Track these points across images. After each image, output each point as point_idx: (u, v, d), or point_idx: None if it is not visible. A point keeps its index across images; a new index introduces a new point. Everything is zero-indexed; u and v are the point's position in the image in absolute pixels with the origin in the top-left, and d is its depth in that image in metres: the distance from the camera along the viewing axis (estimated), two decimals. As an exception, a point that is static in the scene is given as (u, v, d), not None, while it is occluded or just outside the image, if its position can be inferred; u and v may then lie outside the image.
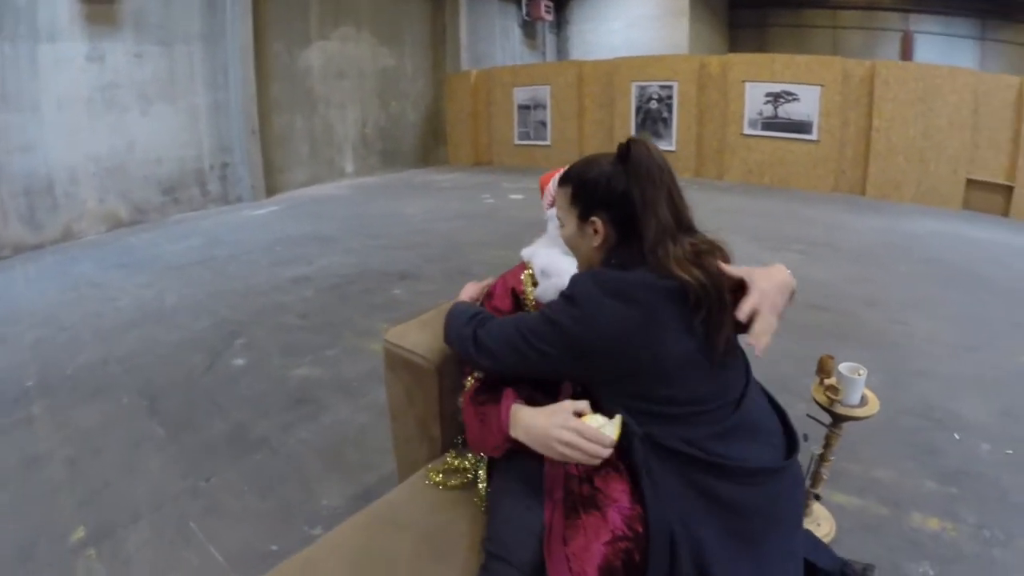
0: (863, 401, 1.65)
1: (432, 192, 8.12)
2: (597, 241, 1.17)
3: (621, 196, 1.13)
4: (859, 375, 1.62)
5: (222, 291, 4.27)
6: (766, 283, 1.10)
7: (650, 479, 1.05)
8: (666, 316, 1.06)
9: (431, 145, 10.67)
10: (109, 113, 6.35)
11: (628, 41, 11.34)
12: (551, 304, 1.16)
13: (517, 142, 10.02)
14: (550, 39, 12.72)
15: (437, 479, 1.37)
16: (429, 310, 1.62)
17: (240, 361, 3.19)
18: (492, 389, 1.24)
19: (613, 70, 8.79)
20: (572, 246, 1.25)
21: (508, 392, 1.19)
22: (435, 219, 6.41)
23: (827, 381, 1.69)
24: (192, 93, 7.05)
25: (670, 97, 8.34)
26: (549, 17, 11.99)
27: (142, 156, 6.69)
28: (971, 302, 3.87)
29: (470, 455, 1.38)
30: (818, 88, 7.20)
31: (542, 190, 1.57)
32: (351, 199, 7.78)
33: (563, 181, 1.23)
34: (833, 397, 1.63)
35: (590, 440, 1.03)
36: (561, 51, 12.75)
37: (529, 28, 12.25)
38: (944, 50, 10.67)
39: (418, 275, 4.56)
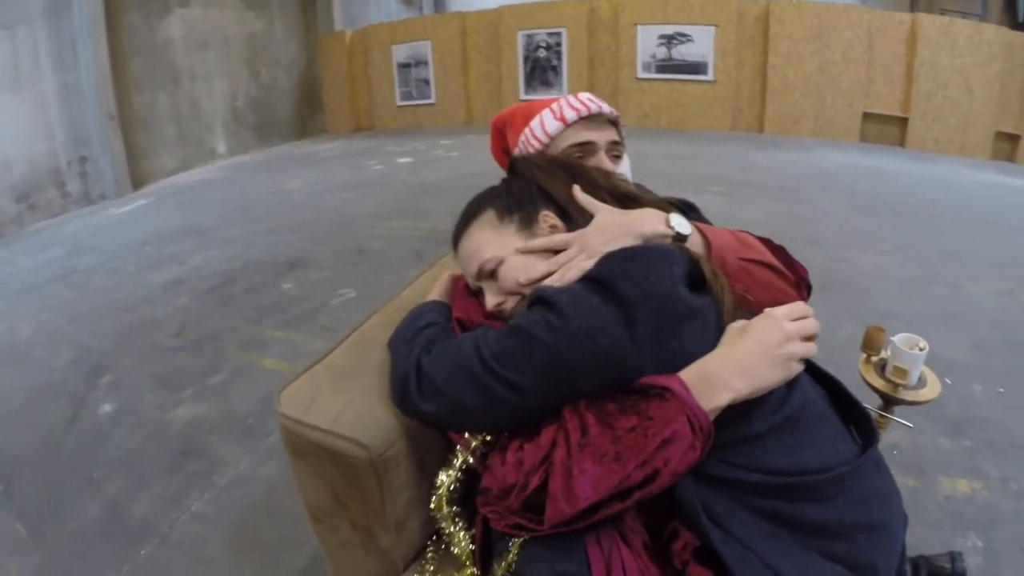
0: (921, 380, 1.27)
1: (314, 164, 7.27)
2: None
3: (545, 192, 0.93)
4: (920, 350, 1.23)
5: (84, 312, 3.42)
6: (600, 227, 0.85)
7: (717, 527, 0.72)
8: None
9: (308, 114, 9.62)
10: None
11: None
12: (521, 314, 0.79)
13: (400, 103, 9.19)
14: (427, -8, 11.79)
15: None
16: (341, 341, 1.02)
17: (108, 407, 2.45)
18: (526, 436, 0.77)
19: (497, 20, 8.19)
20: (520, 272, 0.88)
21: (654, 381, 0.72)
22: (320, 192, 5.67)
23: (875, 358, 1.29)
24: (38, 78, 5.80)
25: (559, 44, 7.88)
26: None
27: None
28: (901, 234, 3.74)
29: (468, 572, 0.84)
30: (712, 28, 6.99)
31: (496, 132, 1.22)
32: (227, 181, 6.80)
33: (471, 216, 0.95)
34: (899, 381, 1.23)
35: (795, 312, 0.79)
36: (439, 4, 11.75)
37: (404, -18, 11.22)
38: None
39: (308, 261, 3.86)
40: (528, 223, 0.90)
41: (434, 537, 0.91)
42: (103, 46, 6.25)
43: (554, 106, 1.08)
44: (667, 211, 0.87)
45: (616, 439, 0.68)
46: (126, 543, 1.75)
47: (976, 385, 2.21)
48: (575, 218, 0.90)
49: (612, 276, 0.74)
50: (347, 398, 0.87)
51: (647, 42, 7.38)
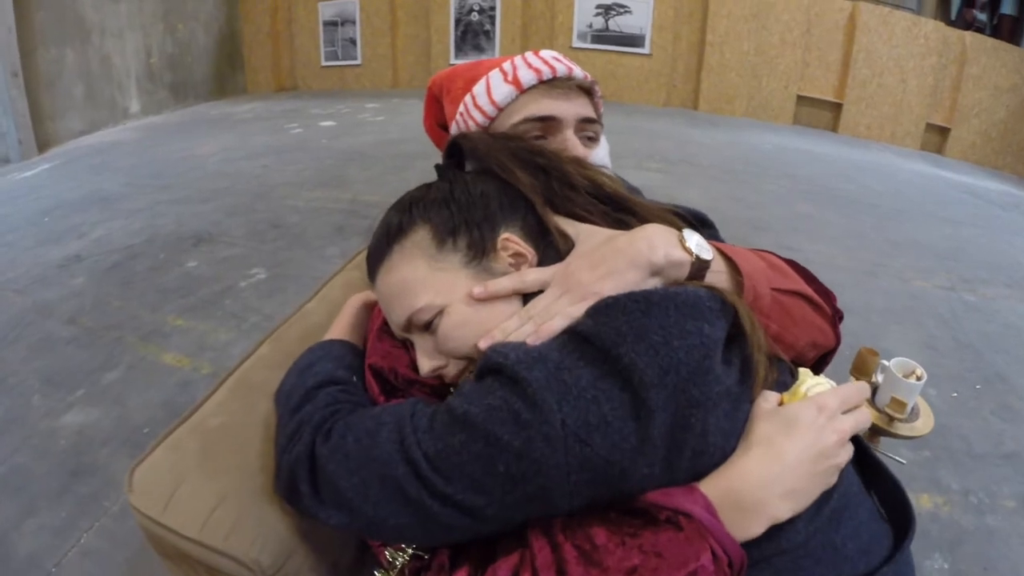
0: (915, 411, 1.11)
1: (232, 126, 6.68)
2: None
3: (508, 190, 0.63)
4: (917, 378, 1.06)
5: (-31, 295, 2.93)
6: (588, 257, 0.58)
7: None
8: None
9: (227, 72, 8.80)
10: None
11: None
12: (471, 392, 0.51)
13: (324, 63, 8.59)
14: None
15: None
16: (215, 390, 0.71)
17: (-11, 412, 2.06)
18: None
19: (429, -23, 7.68)
20: (471, 329, 0.59)
21: (667, 501, 0.48)
22: (236, 159, 5.17)
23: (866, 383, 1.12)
24: None
25: (492, 8, 7.45)
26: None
27: None
28: (845, 221, 3.66)
29: None
30: (651, 1, 6.76)
31: (432, 99, 0.89)
32: (138, 144, 6.15)
33: (394, 235, 0.62)
34: (895, 415, 1.05)
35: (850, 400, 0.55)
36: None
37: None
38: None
39: (218, 236, 3.45)
40: (480, 251, 0.60)
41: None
42: (7, -1, 5.44)
43: (506, 66, 0.78)
44: (678, 226, 0.60)
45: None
46: (10, 590, 1.44)
47: (931, 389, 2.09)
48: (555, 241, 0.62)
49: (615, 338, 0.48)
50: (222, 485, 0.59)
51: (584, 11, 7.09)
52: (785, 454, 0.50)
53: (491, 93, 0.77)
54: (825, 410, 0.53)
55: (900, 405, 1.03)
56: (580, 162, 0.70)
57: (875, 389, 1.08)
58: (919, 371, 1.02)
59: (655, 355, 0.47)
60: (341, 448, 0.52)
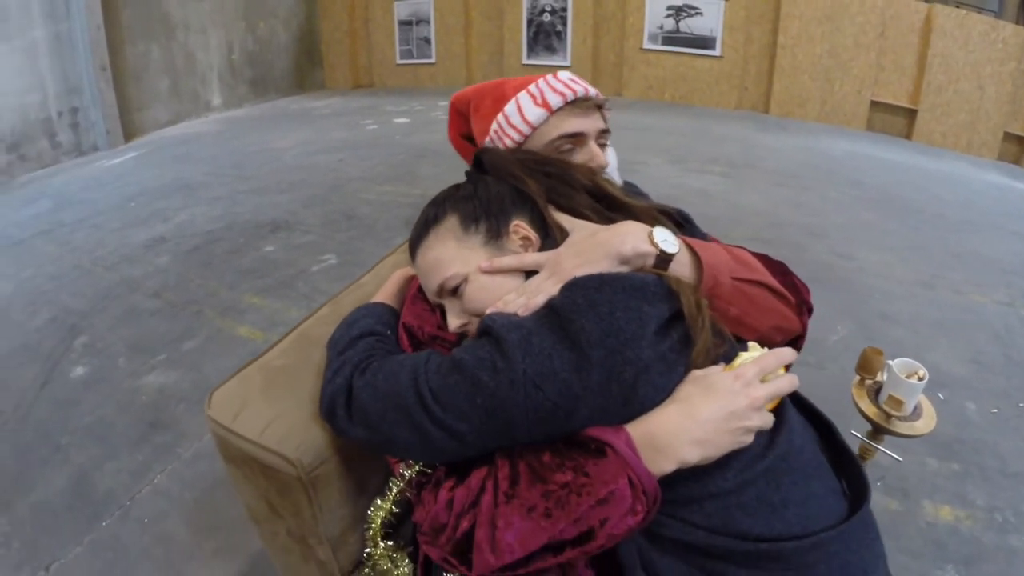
0: (917, 411, 1.17)
1: (309, 121, 7.06)
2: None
3: (519, 191, 0.81)
4: (919, 379, 1.13)
5: (65, 269, 3.32)
6: (575, 246, 0.74)
7: None
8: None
9: (306, 68, 9.26)
10: None
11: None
12: (469, 346, 0.69)
13: (399, 61, 8.87)
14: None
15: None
16: (282, 339, 0.92)
17: (80, 371, 2.37)
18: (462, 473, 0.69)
19: (502, -22, 7.87)
20: (488, 293, 0.76)
21: (597, 434, 0.63)
22: (313, 152, 5.49)
23: (869, 381, 1.19)
24: (29, 27, 5.56)
25: (564, 9, 7.54)
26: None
27: None
28: (907, 231, 3.60)
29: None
30: (722, 2, 6.70)
31: (456, 114, 1.06)
32: (219, 136, 6.61)
33: (431, 222, 0.81)
34: (893, 412, 1.13)
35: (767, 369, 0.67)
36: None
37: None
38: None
39: (293, 224, 3.74)
40: (496, 235, 0.78)
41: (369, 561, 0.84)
42: (96, -7, 5.99)
43: (533, 89, 0.92)
44: (652, 224, 0.75)
45: (547, 493, 0.60)
46: (89, 516, 1.71)
47: (970, 403, 2.09)
48: (550, 231, 0.79)
49: (573, 308, 0.64)
50: (279, 408, 0.78)
51: (655, 12, 7.10)
52: (698, 411, 0.62)
53: (523, 114, 0.91)
54: (741, 378, 0.65)
55: (898, 403, 1.12)
56: (590, 169, 0.87)
57: (879, 388, 1.17)
58: (921, 372, 1.10)
59: (600, 322, 0.62)
60: (372, 383, 0.70)
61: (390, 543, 0.76)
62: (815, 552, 0.64)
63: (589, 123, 0.93)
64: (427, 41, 8.58)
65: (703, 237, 0.86)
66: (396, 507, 0.75)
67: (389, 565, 0.75)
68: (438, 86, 8.50)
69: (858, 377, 1.18)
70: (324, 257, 3.26)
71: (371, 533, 0.75)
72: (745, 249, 0.84)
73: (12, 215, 4.46)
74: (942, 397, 2.12)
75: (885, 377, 1.14)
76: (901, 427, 1.11)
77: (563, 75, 0.95)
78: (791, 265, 2.46)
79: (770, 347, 0.80)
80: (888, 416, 1.12)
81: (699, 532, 0.64)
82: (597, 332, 0.62)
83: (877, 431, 1.16)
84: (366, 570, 0.83)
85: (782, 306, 0.80)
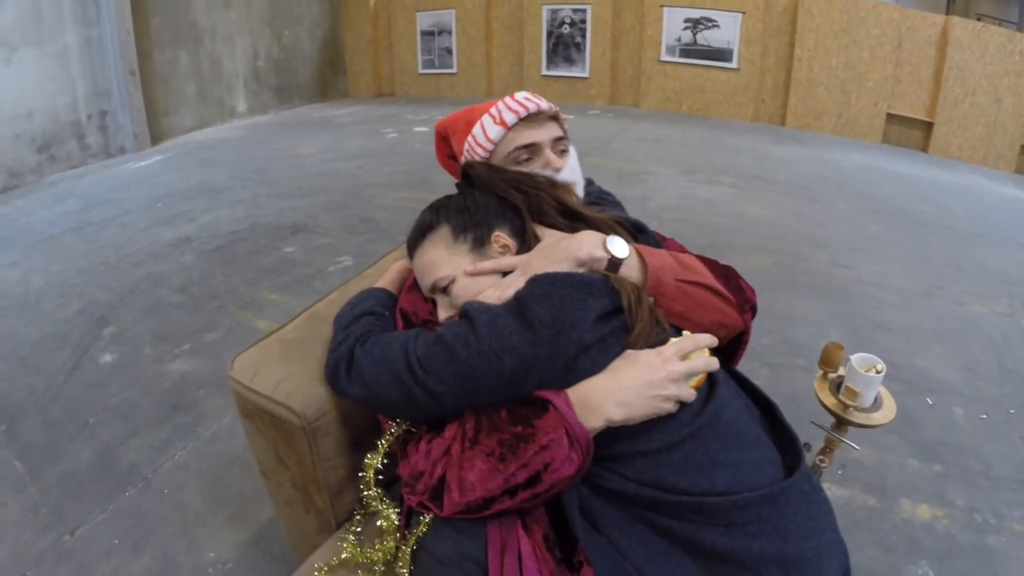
0: (877, 402, 1.28)
1: (331, 129, 7.29)
2: None
3: (503, 204, 0.97)
4: (876, 372, 1.23)
5: (93, 265, 3.52)
6: (542, 251, 0.90)
7: (601, 535, 0.77)
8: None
9: (330, 77, 9.55)
10: None
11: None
12: (449, 326, 0.85)
13: (421, 71, 9.11)
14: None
15: (329, 582, 0.89)
16: (296, 317, 1.09)
17: (108, 357, 2.55)
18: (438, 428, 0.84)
19: (522, -10, 8.07)
20: (471, 292, 0.91)
21: (543, 394, 0.79)
22: (334, 159, 5.70)
23: (832, 375, 1.30)
24: (61, 32, 5.84)
25: (583, 21, 7.73)
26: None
27: (10, 111, 5.52)
28: (912, 242, 3.67)
29: (378, 544, 0.91)
30: (739, 15, 6.82)
31: (440, 139, 1.25)
32: (243, 141, 6.85)
33: (427, 229, 0.97)
34: (849, 402, 1.24)
35: (685, 349, 0.80)
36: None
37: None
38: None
39: (313, 227, 3.93)
40: (480, 243, 0.93)
41: (362, 504, 0.97)
42: (126, 3, 6.27)
43: (492, 110, 1.08)
44: (608, 232, 0.90)
45: (502, 441, 0.75)
46: (113, 486, 1.86)
47: (958, 408, 2.15)
48: (528, 238, 0.95)
49: (531, 297, 0.80)
50: (289, 370, 0.93)
51: (672, 25, 7.25)
52: (622, 378, 0.77)
53: (486, 133, 1.08)
54: (661, 355, 0.79)
55: (853, 394, 1.22)
56: (555, 185, 1.02)
57: (841, 381, 1.28)
58: (879, 366, 1.21)
59: (551, 308, 0.78)
60: (370, 351, 0.86)
61: (381, 490, 0.90)
62: (743, 511, 0.74)
63: (543, 133, 1.08)
64: (449, 51, 8.79)
65: (657, 245, 1.01)
66: (386, 459, 0.89)
67: (380, 506, 0.89)
68: (459, 96, 8.70)
69: (820, 371, 1.29)
70: (340, 259, 3.43)
71: (366, 479, 0.89)
72: (695, 255, 0.98)
73: (43, 212, 4.69)
74: (930, 402, 2.18)
75: (845, 371, 1.25)
76: (858, 417, 1.22)
77: (519, 95, 1.10)
78: (792, 273, 2.63)
79: (719, 344, 0.92)
80: (846, 407, 1.22)
81: (631, 484, 0.77)
82: (548, 317, 0.77)
83: (840, 422, 1.27)
84: (357, 516, 0.97)
85: (723, 305, 0.93)
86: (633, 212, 1.18)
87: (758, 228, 3.77)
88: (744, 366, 1.05)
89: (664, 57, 7.39)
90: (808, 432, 1.20)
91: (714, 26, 7.02)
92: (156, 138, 6.89)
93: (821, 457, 1.31)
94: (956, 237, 3.79)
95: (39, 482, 1.90)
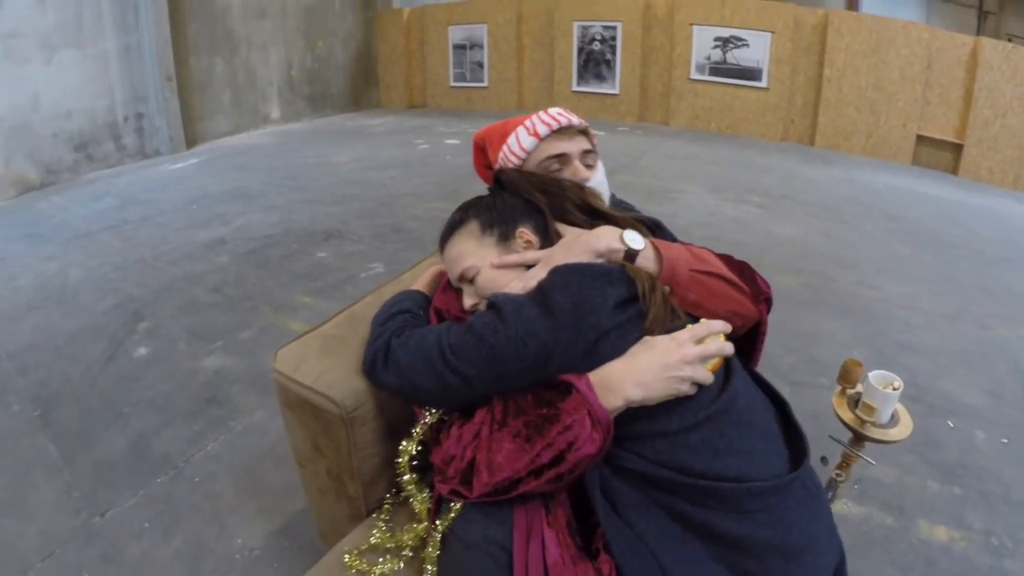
0: (894, 419, 1.30)
1: (364, 138, 7.45)
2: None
3: (528, 204, 1.04)
4: (894, 388, 1.26)
5: (130, 262, 3.67)
6: (564, 245, 0.96)
7: (619, 517, 0.81)
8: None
9: (362, 87, 9.79)
10: (9, 65, 5.41)
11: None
12: (479, 315, 0.92)
13: (453, 84, 9.28)
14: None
15: (358, 565, 0.94)
16: (336, 315, 1.16)
17: (143, 351, 2.66)
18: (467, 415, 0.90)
19: (554, 7, 8.18)
20: (495, 282, 0.98)
21: (566, 378, 0.84)
22: (366, 168, 5.83)
23: (850, 391, 1.33)
24: (101, 37, 6.11)
25: (614, 38, 7.82)
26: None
27: (50, 111, 5.78)
28: (940, 264, 3.65)
29: (408, 528, 0.96)
30: (768, 35, 6.85)
31: (479, 150, 1.32)
32: (277, 148, 7.04)
33: (456, 225, 1.05)
34: (866, 418, 1.27)
35: (698, 335, 0.86)
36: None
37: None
38: (890, 6, 10.42)
39: (345, 234, 4.03)
40: (506, 238, 1.00)
41: (393, 490, 1.03)
42: (164, 11, 6.52)
43: (527, 123, 1.16)
44: (625, 228, 0.96)
45: (528, 423, 0.81)
46: (145, 473, 1.95)
47: (979, 432, 2.15)
48: (551, 235, 1.01)
49: (552, 286, 0.86)
50: (329, 364, 1.00)
51: (702, 43, 7.30)
52: (640, 361, 0.82)
53: (520, 143, 1.16)
54: (676, 339, 0.84)
55: (870, 410, 1.25)
56: (580, 187, 1.09)
57: (859, 397, 1.31)
58: (896, 383, 1.24)
59: (571, 296, 0.84)
60: (406, 343, 0.93)
61: (415, 475, 0.96)
62: (752, 499, 0.79)
63: (572, 145, 1.16)
64: (480, 65, 8.94)
65: (672, 240, 1.07)
66: (419, 446, 0.95)
67: (414, 490, 0.95)
68: (490, 109, 8.83)
69: (839, 387, 1.32)
70: (372, 265, 3.52)
71: (401, 464, 0.95)
72: (709, 250, 1.03)
73: (79, 210, 4.88)
74: (951, 425, 2.18)
75: (863, 387, 1.28)
76: (875, 433, 1.25)
77: (553, 110, 1.18)
78: (819, 293, 2.67)
79: (736, 334, 0.97)
80: (863, 422, 1.25)
81: (650, 464, 0.81)
82: (569, 304, 0.83)
83: (857, 437, 1.30)
84: (386, 504, 1.03)
85: (737, 294, 0.98)
86: (663, 230, 1.23)
87: (786, 248, 3.78)
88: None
89: (694, 75, 7.44)
90: (827, 447, 1.24)
91: (744, 45, 7.05)
92: (191, 142, 7.12)
93: (838, 471, 1.34)
94: (985, 260, 3.77)
95: (72, 466, 1.99)
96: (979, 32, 7.39)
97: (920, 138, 6.34)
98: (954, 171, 6.18)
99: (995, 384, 2.45)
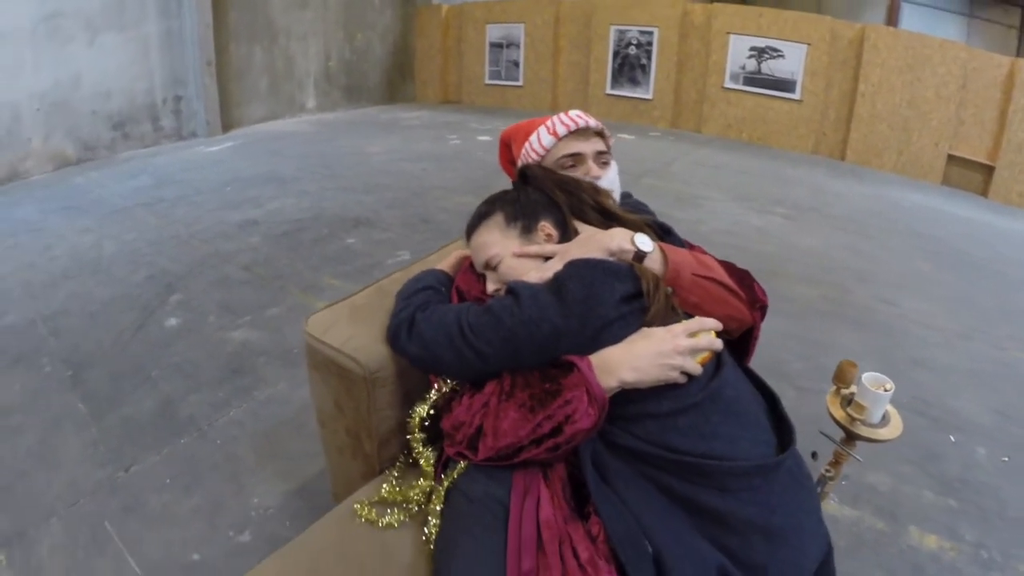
0: (885, 419, 1.37)
1: (397, 131, 7.58)
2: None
3: (550, 201, 1.12)
4: (885, 390, 1.33)
5: (164, 238, 3.82)
6: (580, 242, 1.05)
7: (608, 485, 0.90)
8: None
9: (398, 81, 9.95)
10: (53, 45, 5.61)
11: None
12: (498, 299, 1.01)
13: (488, 81, 9.41)
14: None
15: (367, 515, 1.04)
16: (365, 288, 1.28)
17: (174, 321, 2.80)
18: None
19: (592, 11, 8.24)
20: (516, 271, 1.08)
21: (570, 358, 0.93)
22: (399, 160, 5.95)
23: (844, 391, 1.40)
24: (143, 21, 6.32)
25: (650, 44, 7.88)
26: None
27: (90, 90, 5.99)
28: (961, 284, 3.66)
29: (415, 484, 1.06)
30: (804, 47, 6.86)
31: (504, 146, 1.41)
32: (311, 136, 7.20)
33: (484, 216, 1.15)
34: (856, 416, 1.34)
35: (691, 328, 0.94)
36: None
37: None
38: (930, 22, 10.31)
39: (375, 222, 4.16)
40: (528, 230, 1.09)
41: (405, 451, 1.13)
42: (206, -1, 6.71)
43: (548, 123, 1.27)
44: (636, 231, 1.05)
45: (532, 395, 0.90)
46: (169, 433, 2.07)
47: (981, 448, 2.18)
48: (569, 231, 1.10)
49: (567, 277, 0.95)
50: (357, 330, 1.11)
51: (737, 53, 7.33)
52: (636, 348, 0.91)
53: (540, 141, 1.27)
54: (671, 331, 0.93)
55: (861, 409, 1.33)
56: (596, 189, 1.18)
57: (852, 397, 1.38)
58: (888, 385, 1.31)
59: (583, 287, 0.93)
60: (429, 317, 1.02)
61: (424, 436, 1.05)
62: (736, 479, 0.87)
63: (588, 146, 1.26)
64: (516, 64, 9.05)
65: (681, 245, 1.16)
66: (431, 410, 1.04)
67: (421, 448, 1.05)
68: (524, 108, 8.93)
69: (834, 387, 1.39)
70: (399, 253, 3.64)
71: (412, 424, 1.05)
72: (713, 257, 1.13)
73: (116, 186, 5.06)
74: (953, 439, 2.21)
75: (856, 388, 1.35)
76: (865, 431, 1.32)
77: (572, 112, 1.29)
78: (836, 305, 2.74)
79: (731, 336, 1.05)
80: (853, 420, 1.32)
81: (640, 442, 0.90)
82: (580, 294, 0.92)
83: (848, 436, 1.37)
84: (399, 463, 1.13)
85: (734, 300, 1.07)
86: (685, 234, 1.31)
87: (807, 259, 3.81)
88: (773, 386, 1.13)
89: (728, 84, 7.48)
90: (820, 445, 1.31)
91: (779, 56, 7.07)
92: (227, 126, 7.31)
93: (828, 468, 1.41)
94: (1007, 283, 3.77)
95: (100, 423, 2.12)
96: (1018, 53, 7.31)
97: (951, 158, 6.30)
98: (984, 193, 6.13)
99: (1003, 404, 2.46)
